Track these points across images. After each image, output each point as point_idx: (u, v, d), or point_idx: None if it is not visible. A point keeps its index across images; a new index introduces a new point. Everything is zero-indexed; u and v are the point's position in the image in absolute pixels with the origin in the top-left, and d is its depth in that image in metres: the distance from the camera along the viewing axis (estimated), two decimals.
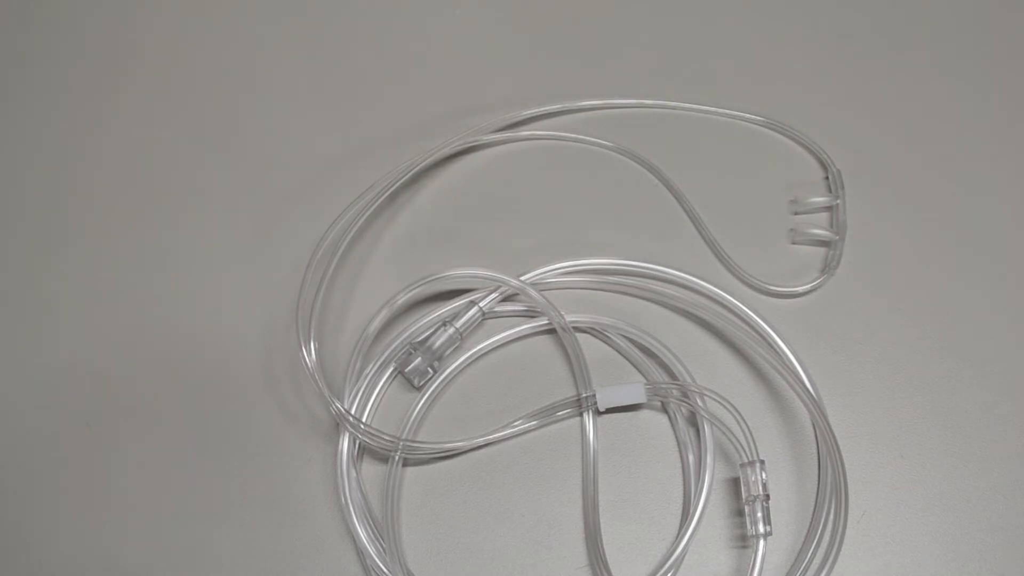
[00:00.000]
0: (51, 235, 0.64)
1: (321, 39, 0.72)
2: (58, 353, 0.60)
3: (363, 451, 0.56)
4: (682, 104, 0.66)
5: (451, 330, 0.57)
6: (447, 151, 0.63)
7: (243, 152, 0.67)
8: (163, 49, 0.72)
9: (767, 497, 0.51)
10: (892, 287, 0.60)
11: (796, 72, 0.69)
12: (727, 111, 0.66)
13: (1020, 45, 0.69)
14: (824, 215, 0.63)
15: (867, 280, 0.60)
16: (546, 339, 0.59)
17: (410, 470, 0.56)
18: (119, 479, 0.56)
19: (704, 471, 0.53)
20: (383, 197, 0.61)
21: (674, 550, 0.51)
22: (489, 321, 0.59)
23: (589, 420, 0.55)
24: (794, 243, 0.62)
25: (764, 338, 0.57)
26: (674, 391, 0.55)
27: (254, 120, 0.68)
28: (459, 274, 0.58)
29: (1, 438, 0.58)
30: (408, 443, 0.54)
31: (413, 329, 0.58)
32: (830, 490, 0.53)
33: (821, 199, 0.62)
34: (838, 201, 0.62)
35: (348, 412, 0.54)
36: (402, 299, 0.58)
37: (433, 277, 0.57)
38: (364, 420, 0.56)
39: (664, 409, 0.56)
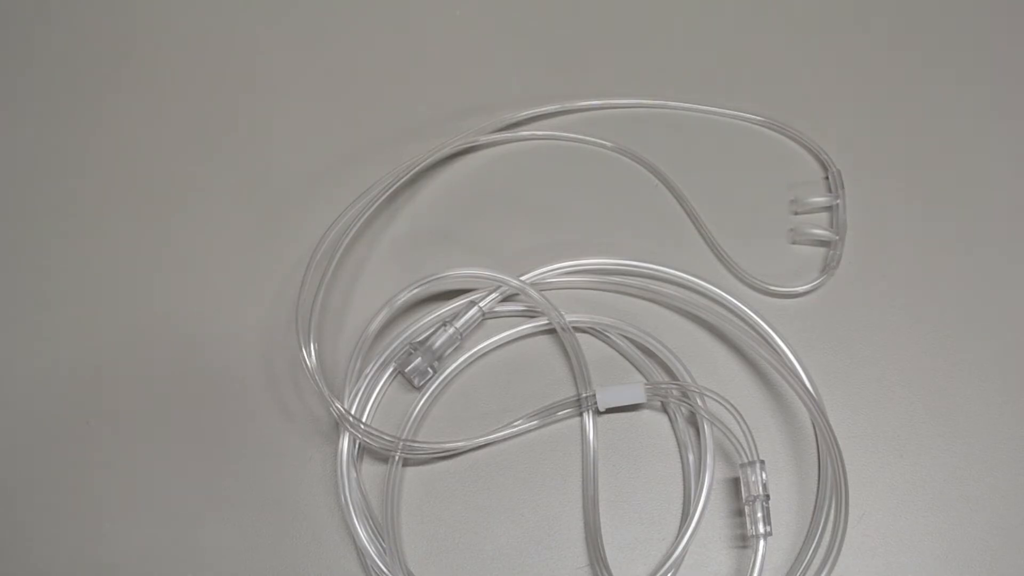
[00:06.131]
0: (51, 234, 0.64)
1: (321, 39, 0.72)
2: (59, 352, 0.60)
3: (363, 451, 0.56)
4: (682, 104, 0.66)
5: (451, 330, 0.57)
6: (447, 151, 0.63)
7: (243, 152, 0.67)
8: (163, 48, 0.72)
9: (767, 497, 0.51)
10: (892, 287, 0.60)
11: (796, 72, 0.69)
12: (727, 111, 0.66)
13: (1020, 44, 0.69)
14: (824, 215, 0.63)
15: (867, 280, 0.60)
16: (546, 339, 0.59)
17: (410, 470, 0.56)
18: (119, 478, 0.56)
19: (704, 471, 0.53)
20: (383, 197, 0.61)
21: (674, 550, 0.51)
22: (489, 321, 0.59)
23: (589, 420, 0.55)
24: (794, 243, 0.62)
25: (764, 338, 0.57)
26: (674, 391, 0.55)
27: (254, 120, 0.68)
28: (459, 274, 0.58)
29: (1, 436, 0.58)
30: (408, 443, 0.54)
31: (413, 329, 0.58)
32: (830, 490, 0.53)
33: (821, 199, 0.62)
34: (838, 201, 0.62)
35: (348, 412, 0.54)
36: (402, 299, 0.58)
37: (433, 277, 0.57)
38: (364, 420, 0.56)
39: (664, 409, 0.56)
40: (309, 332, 0.56)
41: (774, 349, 0.56)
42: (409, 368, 0.56)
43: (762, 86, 0.68)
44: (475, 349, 0.58)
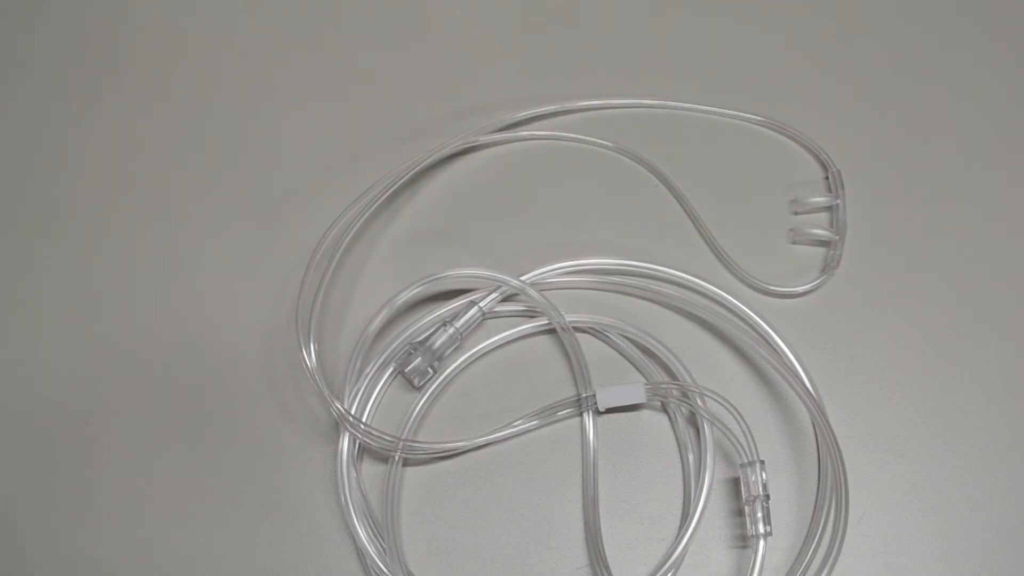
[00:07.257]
0: (51, 235, 0.64)
1: (321, 39, 0.72)
2: (59, 352, 0.60)
3: (363, 451, 0.56)
4: (682, 104, 0.66)
5: (451, 330, 0.57)
6: (447, 151, 0.63)
7: (243, 152, 0.67)
8: (163, 49, 0.72)
9: (767, 497, 0.51)
10: (892, 287, 0.60)
11: (796, 72, 0.69)
12: (727, 111, 0.66)
13: (1020, 44, 0.69)
14: (824, 215, 0.63)
15: (867, 280, 0.60)
16: (546, 339, 0.59)
17: (410, 470, 0.56)
18: (119, 478, 0.56)
19: (704, 471, 0.53)
20: (383, 197, 0.61)
21: (674, 550, 0.51)
22: (489, 321, 0.59)
23: (589, 420, 0.55)
24: (794, 243, 0.62)
25: (764, 338, 0.57)
26: (674, 391, 0.55)
27: (254, 120, 0.68)
28: (459, 274, 0.58)
29: (1, 436, 0.58)
30: (408, 443, 0.54)
31: (413, 329, 0.58)
32: (830, 490, 0.53)
33: (821, 199, 0.62)
34: (838, 201, 0.62)
35: (348, 412, 0.54)
36: (402, 299, 0.58)
37: (433, 277, 0.57)
38: (364, 420, 0.56)
39: (664, 409, 0.56)
40: (309, 332, 0.56)
41: (774, 349, 0.56)
42: (409, 368, 0.56)
43: (762, 86, 0.68)
44: (475, 349, 0.58)
